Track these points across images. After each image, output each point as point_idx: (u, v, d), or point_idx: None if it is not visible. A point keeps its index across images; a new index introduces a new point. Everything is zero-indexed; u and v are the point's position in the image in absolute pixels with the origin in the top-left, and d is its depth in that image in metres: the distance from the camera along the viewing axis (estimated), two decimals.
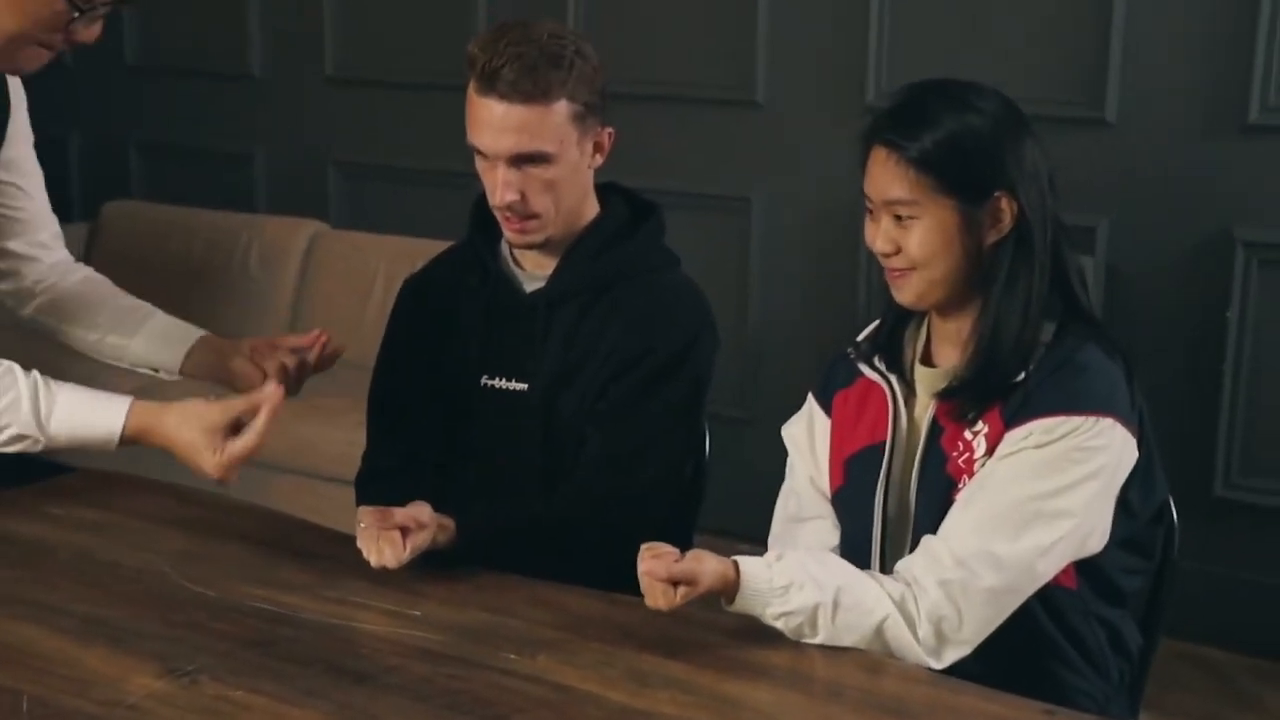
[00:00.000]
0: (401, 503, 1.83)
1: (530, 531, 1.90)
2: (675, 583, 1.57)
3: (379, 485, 2.11)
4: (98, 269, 5.12)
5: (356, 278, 4.28)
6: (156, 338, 2.15)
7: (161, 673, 1.54)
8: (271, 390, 1.82)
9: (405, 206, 4.46)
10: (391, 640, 1.63)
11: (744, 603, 1.60)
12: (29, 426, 1.78)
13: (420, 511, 1.78)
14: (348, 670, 1.56)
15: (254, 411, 1.79)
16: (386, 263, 4.20)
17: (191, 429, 1.81)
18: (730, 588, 1.60)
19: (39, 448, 1.81)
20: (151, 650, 1.60)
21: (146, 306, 2.21)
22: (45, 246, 2.20)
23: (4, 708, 1.47)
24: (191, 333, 2.16)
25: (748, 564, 1.60)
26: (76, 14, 1.68)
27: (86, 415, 1.80)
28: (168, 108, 4.96)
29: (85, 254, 4.89)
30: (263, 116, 4.80)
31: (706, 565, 1.58)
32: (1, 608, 1.72)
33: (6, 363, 1.80)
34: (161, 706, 1.47)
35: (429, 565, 1.78)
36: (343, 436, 3.58)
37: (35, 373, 1.80)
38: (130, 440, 1.82)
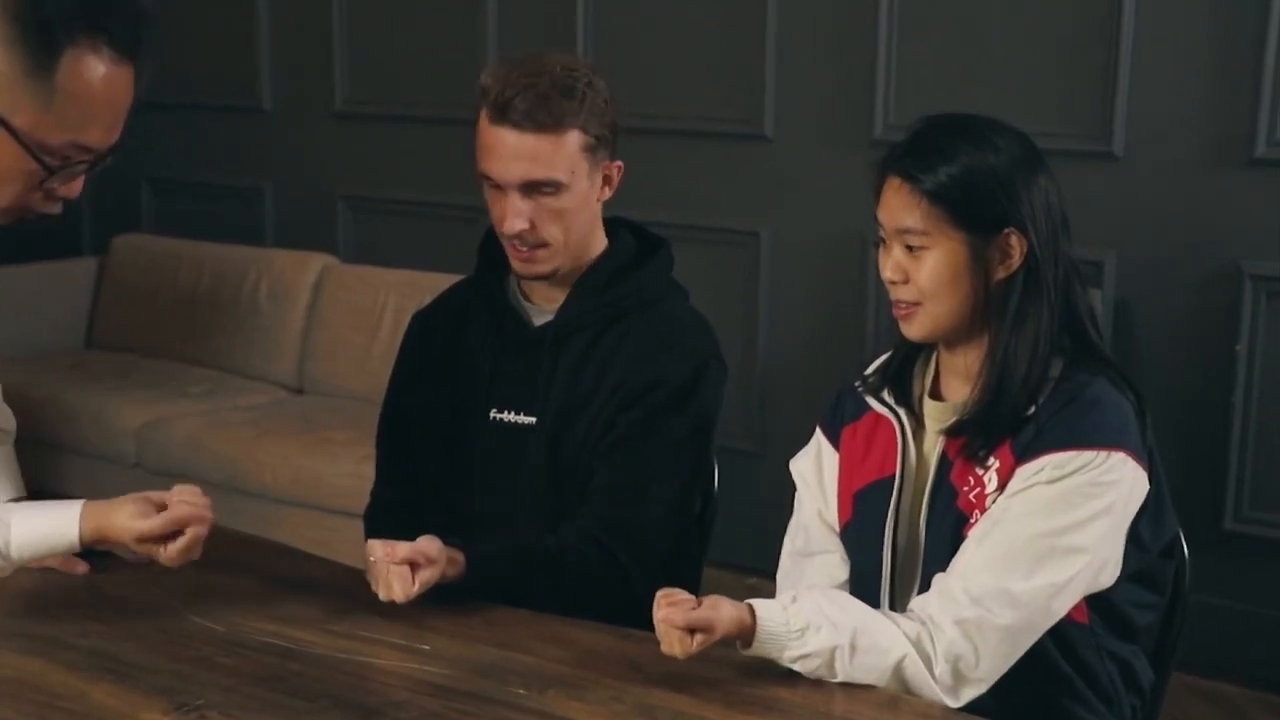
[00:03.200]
0: (410, 536, 1.81)
1: (538, 564, 1.90)
2: (691, 630, 1.56)
3: (387, 518, 2.11)
4: (107, 302, 5.12)
5: (365, 311, 4.29)
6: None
7: (169, 708, 1.53)
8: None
9: (414, 240, 4.47)
10: (400, 674, 1.63)
11: (761, 647, 1.60)
12: None
13: (429, 547, 1.77)
14: (356, 705, 1.55)
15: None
16: (395, 296, 4.21)
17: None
18: (746, 632, 1.59)
19: (6, 574, 1.80)
20: (159, 685, 1.59)
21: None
22: None
23: None
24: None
25: (763, 608, 1.60)
26: (48, 174, 1.56)
27: (44, 534, 1.75)
28: (177, 141, 4.98)
29: (95, 287, 4.92)
30: (272, 150, 4.82)
31: (722, 612, 1.57)
32: (7, 641, 1.72)
33: None
34: None
35: (438, 600, 1.77)
36: (350, 470, 3.59)
37: None
38: (90, 543, 1.78)
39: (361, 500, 2.21)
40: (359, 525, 2.18)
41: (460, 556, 1.80)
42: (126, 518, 1.74)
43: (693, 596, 1.59)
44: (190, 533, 1.74)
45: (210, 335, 4.60)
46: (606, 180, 1.97)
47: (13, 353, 4.26)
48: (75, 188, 1.65)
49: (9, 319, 4.44)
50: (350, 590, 1.87)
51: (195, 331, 4.63)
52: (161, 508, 1.75)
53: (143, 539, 1.73)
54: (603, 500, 1.95)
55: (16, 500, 2.03)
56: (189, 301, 4.66)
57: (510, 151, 1.88)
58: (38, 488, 2.08)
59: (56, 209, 1.66)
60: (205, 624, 1.76)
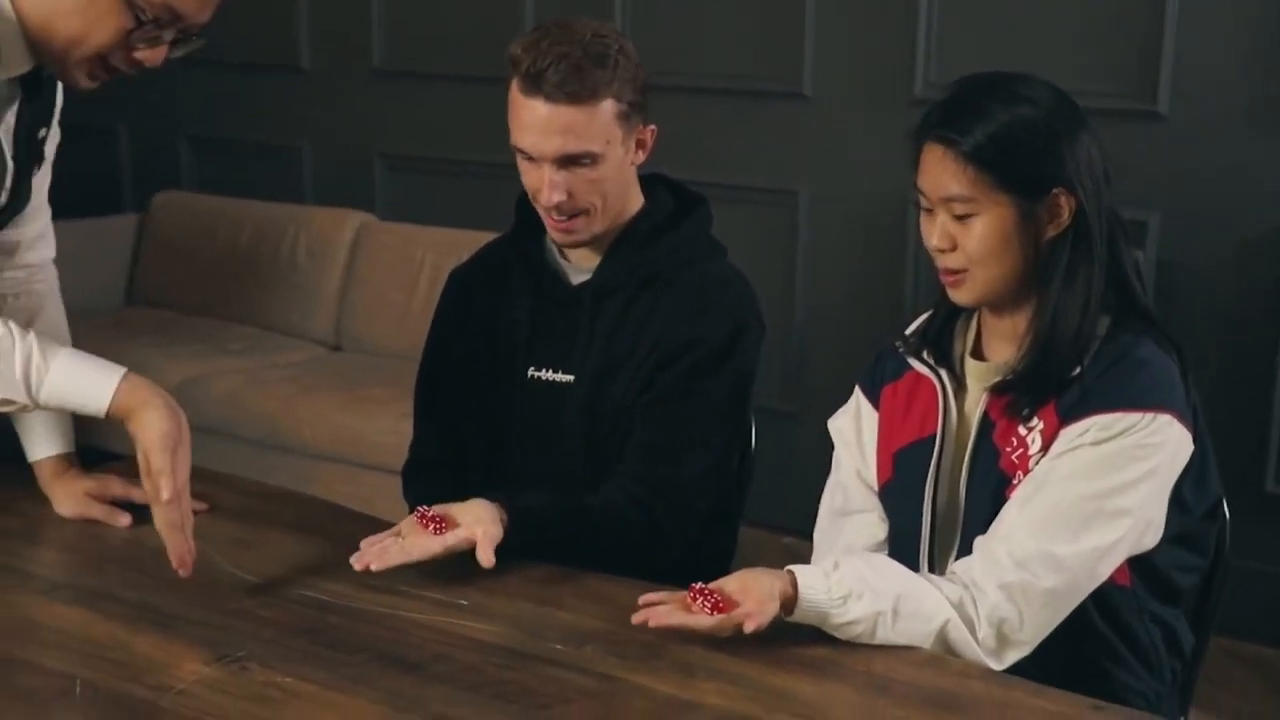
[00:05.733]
0: (448, 493, 1.83)
1: (579, 520, 1.90)
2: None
3: (425, 476, 2.13)
4: (146, 259, 5.13)
5: (403, 269, 4.30)
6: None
7: (211, 659, 1.55)
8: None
9: (451, 198, 4.47)
10: (439, 630, 1.64)
11: (803, 615, 1.59)
12: (18, 393, 1.73)
13: (468, 532, 1.76)
14: (395, 659, 1.56)
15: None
16: (433, 254, 4.22)
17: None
18: (788, 601, 1.59)
19: (28, 411, 1.80)
20: (201, 637, 1.61)
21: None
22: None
23: (56, 690, 1.49)
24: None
25: (805, 576, 1.59)
26: (138, 25, 1.65)
27: (78, 388, 1.74)
28: (217, 100, 4.99)
29: (135, 244, 4.95)
30: (310, 109, 4.82)
31: (755, 600, 1.56)
32: (53, 592, 1.74)
33: (4, 324, 1.74)
34: (211, 692, 1.48)
35: (474, 555, 1.77)
36: (388, 426, 3.60)
37: (32, 336, 1.74)
38: (116, 417, 1.76)
39: (399, 457, 2.22)
40: (397, 482, 2.19)
41: (498, 530, 1.78)
42: (156, 433, 1.73)
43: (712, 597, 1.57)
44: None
45: (249, 292, 4.62)
46: (640, 145, 1.96)
47: None
48: (157, 55, 1.71)
49: None
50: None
51: (234, 289, 4.65)
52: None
53: (150, 467, 1.72)
54: (641, 459, 1.95)
55: (70, 454, 2.04)
56: (228, 259, 4.68)
57: (544, 124, 1.86)
58: (80, 444, 2.09)
59: (135, 69, 1.73)
60: (246, 577, 1.77)
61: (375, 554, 1.72)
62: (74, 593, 1.73)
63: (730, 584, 1.59)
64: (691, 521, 1.96)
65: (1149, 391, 1.63)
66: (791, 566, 1.61)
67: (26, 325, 2.05)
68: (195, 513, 1.96)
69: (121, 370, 1.78)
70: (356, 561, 1.72)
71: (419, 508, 1.78)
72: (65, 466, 2.03)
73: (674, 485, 1.94)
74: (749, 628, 1.54)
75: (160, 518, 1.75)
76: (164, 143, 5.18)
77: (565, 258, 2.05)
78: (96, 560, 1.84)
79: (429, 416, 2.16)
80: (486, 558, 1.73)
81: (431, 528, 1.75)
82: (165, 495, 1.72)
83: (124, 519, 1.94)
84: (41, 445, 2.03)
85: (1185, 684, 1.81)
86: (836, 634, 1.60)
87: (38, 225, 2.13)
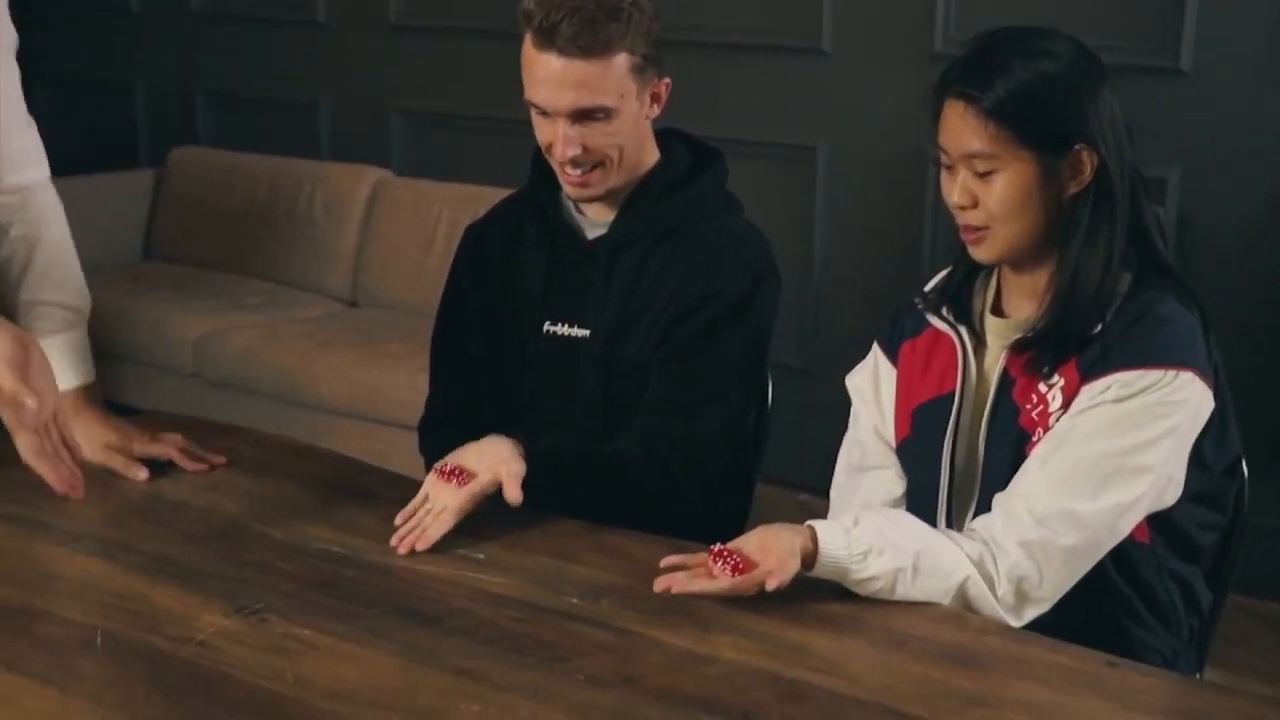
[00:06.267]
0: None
1: (597, 466, 1.90)
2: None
3: (442, 431, 2.13)
4: (164, 214, 5.14)
5: (419, 224, 4.30)
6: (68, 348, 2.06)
7: (229, 611, 1.56)
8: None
9: (468, 153, 4.46)
10: (456, 583, 1.65)
11: (822, 570, 1.59)
12: None
13: (491, 475, 1.76)
14: (412, 612, 1.57)
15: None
16: (449, 209, 4.22)
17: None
18: (808, 556, 1.59)
19: None
20: (219, 589, 1.62)
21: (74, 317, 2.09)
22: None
23: (78, 640, 1.50)
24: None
25: (825, 531, 1.60)
26: None
27: None
28: (233, 55, 4.98)
29: (152, 199, 4.95)
30: (327, 64, 4.81)
31: (776, 557, 1.57)
32: (74, 543, 1.75)
33: None
34: (230, 644, 1.49)
35: (494, 509, 1.78)
36: (404, 382, 3.61)
37: None
38: None
39: (415, 412, 2.23)
40: (413, 437, 2.20)
41: (520, 468, 1.79)
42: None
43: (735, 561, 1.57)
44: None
45: (266, 248, 4.62)
46: (654, 98, 1.95)
47: None
48: None
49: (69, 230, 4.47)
50: (406, 499, 1.87)
51: (251, 244, 4.66)
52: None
53: (1, 392, 1.71)
54: (656, 414, 1.95)
55: (87, 386, 2.03)
56: (245, 214, 4.68)
57: (558, 78, 1.85)
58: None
59: None
60: (264, 530, 1.78)
61: (416, 535, 1.72)
62: (94, 545, 1.74)
63: (750, 541, 1.59)
64: (707, 477, 1.96)
65: (1171, 349, 1.62)
66: (811, 522, 1.61)
67: (29, 254, 2.04)
68: (213, 466, 1.98)
69: None
70: (400, 545, 1.72)
71: (436, 465, 1.78)
72: (84, 402, 2.01)
73: (689, 441, 1.94)
74: (771, 585, 1.54)
75: (23, 445, 1.73)
76: (181, 98, 5.17)
77: (581, 212, 2.04)
78: (116, 513, 1.85)
79: (445, 372, 2.17)
80: (515, 494, 1.74)
81: (454, 482, 1.75)
82: (26, 417, 1.70)
83: (142, 473, 1.94)
84: (59, 374, 1.98)
85: (1202, 641, 1.81)
86: (856, 589, 1.60)
87: (16, 142, 2.06)
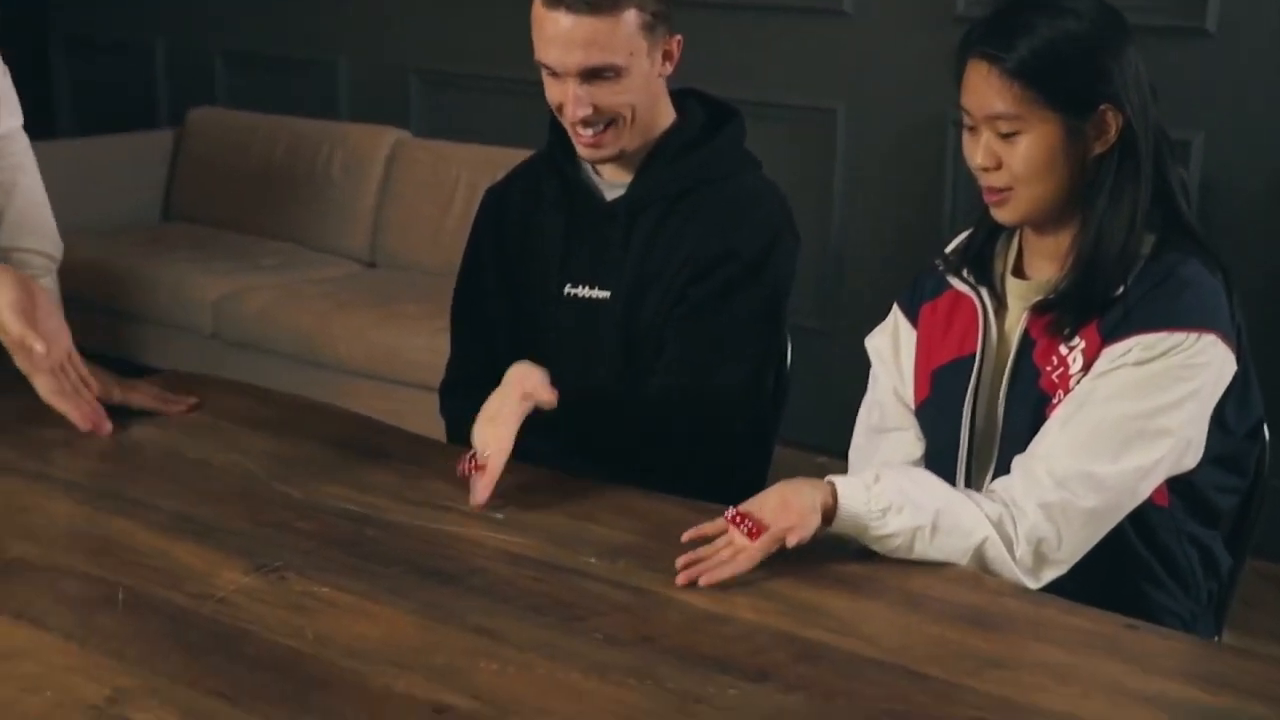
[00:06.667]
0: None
1: (624, 408, 1.91)
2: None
3: (462, 394, 2.13)
4: (183, 174, 5.15)
5: (438, 185, 4.30)
6: None
7: (249, 568, 1.57)
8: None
9: (487, 114, 4.45)
10: (475, 542, 1.65)
11: (841, 526, 1.60)
12: None
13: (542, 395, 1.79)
14: (431, 570, 1.58)
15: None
16: (467, 171, 4.21)
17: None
18: (828, 512, 1.59)
19: None
20: (239, 546, 1.63)
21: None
22: None
23: (99, 597, 1.51)
24: None
25: (845, 487, 1.59)
26: None
27: None
28: (251, 14, 4.98)
29: (171, 160, 4.95)
30: (346, 24, 4.80)
31: (796, 513, 1.57)
32: (97, 501, 1.76)
33: None
34: (250, 601, 1.50)
35: (512, 471, 1.78)
36: (423, 343, 3.62)
37: None
38: None
39: (434, 373, 2.23)
40: (432, 398, 2.20)
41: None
42: (2, 301, 1.73)
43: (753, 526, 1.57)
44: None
45: (284, 208, 4.63)
46: (666, 56, 1.94)
47: (91, 225, 4.32)
48: None
49: (88, 191, 4.49)
50: (425, 459, 1.90)
51: (270, 205, 4.66)
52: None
53: (9, 337, 1.72)
54: (672, 373, 1.95)
55: None
56: (264, 175, 4.68)
57: (567, 37, 1.84)
58: (116, 357, 2.10)
59: None
60: (284, 489, 1.79)
61: (481, 487, 1.72)
62: (115, 503, 1.75)
63: (770, 498, 1.59)
64: (728, 434, 1.96)
65: (1194, 311, 1.61)
66: (832, 477, 1.61)
67: (5, 201, 2.04)
68: (190, 409, 1.98)
69: None
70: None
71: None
72: None
73: (708, 397, 1.94)
74: (791, 541, 1.55)
75: (42, 387, 1.74)
76: (200, 58, 5.16)
77: (598, 174, 2.04)
78: (137, 471, 1.86)
79: (465, 335, 2.17)
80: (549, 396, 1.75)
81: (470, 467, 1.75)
82: (39, 360, 1.71)
83: (88, 423, 1.89)
84: None
85: (1220, 605, 1.81)
86: (874, 546, 1.60)
87: None
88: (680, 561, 1.57)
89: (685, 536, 1.61)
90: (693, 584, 1.54)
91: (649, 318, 1.98)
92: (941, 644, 1.43)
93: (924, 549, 1.59)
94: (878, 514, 1.58)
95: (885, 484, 1.59)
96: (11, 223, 2.07)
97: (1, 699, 1.31)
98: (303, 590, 1.52)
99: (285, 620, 1.46)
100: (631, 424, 1.93)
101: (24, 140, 2.12)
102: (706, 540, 1.60)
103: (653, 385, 1.96)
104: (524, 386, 1.79)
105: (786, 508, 1.57)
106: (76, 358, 1.84)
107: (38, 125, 2.18)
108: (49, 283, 2.09)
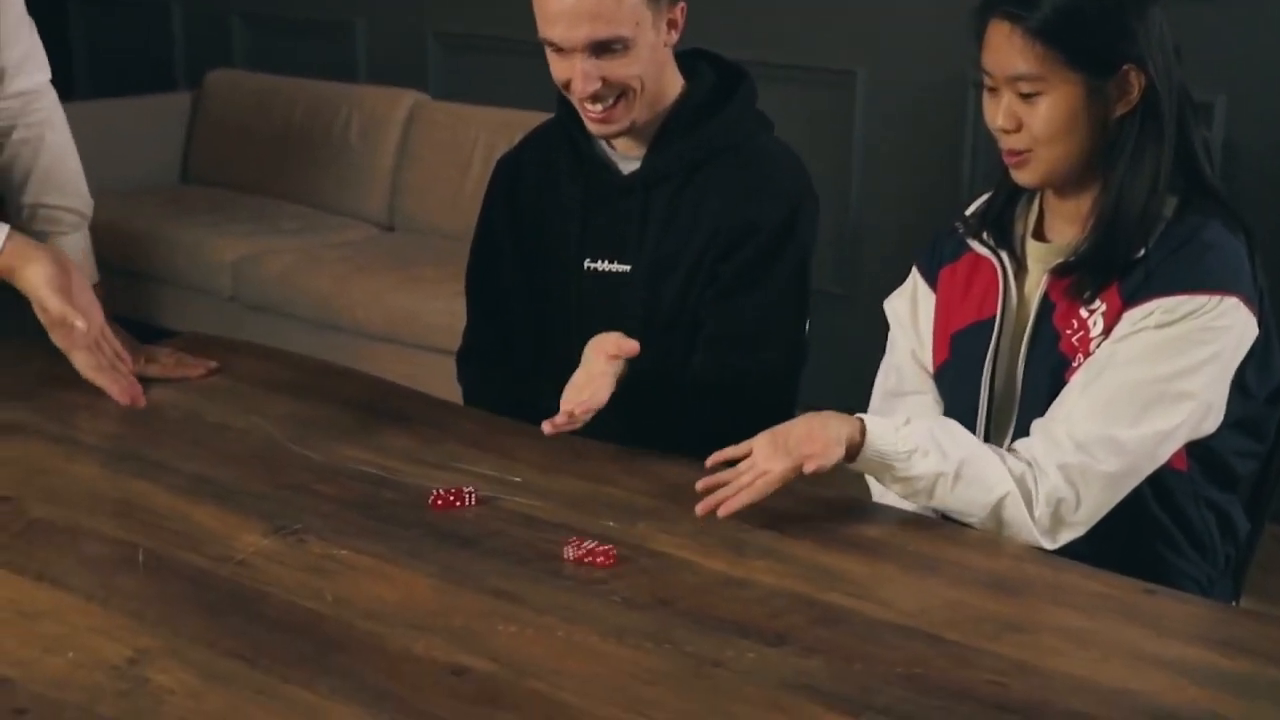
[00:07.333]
0: (504, 379, 1.96)
1: (664, 386, 1.91)
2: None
3: (479, 362, 2.14)
4: (201, 137, 5.15)
5: (456, 148, 4.29)
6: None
7: (269, 531, 1.58)
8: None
9: (505, 77, 4.44)
10: (493, 505, 1.66)
11: (866, 463, 1.61)
12: None
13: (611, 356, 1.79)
14: (449, 533, 1.59)
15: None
16: (486, 133, 4.20)
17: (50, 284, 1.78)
18: (853, 448, 1.60)
19: None
20: (259, 509, 1.64)
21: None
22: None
23: (121, 558, 1.53)
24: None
25: (875, 425, 1.61)
26: None
27: None
28: None
29: (189, 122, 4.95)
30: None
31: (821, 443, 1.58)
32: (116, 464, 1.78)
33: None
34: (269, 563, 1.51)
35: (528, 434, 1.79)
36: (442, 307, 3.62)
37: None
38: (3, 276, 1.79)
39: (452, 336, 2.23)
40: (450, 362, 2.20)
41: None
42: (40, 278, 1.74)
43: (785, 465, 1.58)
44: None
45: (303, 171, 4.63)
46: (671, 24, 1.92)
47: (109, 187, 4.33)
48: None
49: (106, 153, 4.48)
50: (442, 423, 1.91)
51: (288, 167, 4.66)
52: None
53: (49, 315, 1.73)
54: (715, 350, 1.95)
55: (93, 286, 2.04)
56: (282, 137, 4.68)
57: (573, 11, 1.83)
58: (135, 319, 2.11)
59: None
60: (302, 452, 1.80)
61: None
62: (136, 465, 1.77)
63: (798, 426, 1.60)
64: (767, 409, 1.96)
65: (1215, 274, 1.61)
66: (862, 415, 1.62)
67: (32, 157, 2.05)
68: (210, 372, 2.00)
69: (4, 229, 1.77)
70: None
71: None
72: None
73: (756, 373, 1.94)
74: (809, 468, 1.56)
75: (81, 363, 1.76)
76: (217, 19, 5.15)
77: (612, 147, 2.02)
78: (157, 434, 1.87)
79: (480, 304, 2.16)
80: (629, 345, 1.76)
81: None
82: (78, 337, 1.72)
83: (125, 397, 1.90)
84: None
85: (1238, 570, 1.81)
86: (894, 489, 1.61)
87: (19, 47, 2.07)
88: (700, 485, 1.59)
89: (700, 485, 1.62)
90: (712, 514, 1.57)
91: (674, 291, 1.98)
92: (959, 608, 1.44)
93: (944, 496, 1.60)
94: (904, 455, 1.59)
95: (915, 427, 1.61)
96: (39, 179, 2.08)
97: (24, 658, 1.32)
98: (321, 553, 1.54)
99: (304, 582, 1.47)
100: (676, 401, 1.92)
101: (51, 95, 2.13)
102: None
103: (697, 362, 1.97)
104: (605, 349, 1.79)
105: (812, 438, 1.58)
106: (109, 332, 1.86)
107: (56, 87, 2.19)
108: (79, 239, 2.11)
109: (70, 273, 1.80)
